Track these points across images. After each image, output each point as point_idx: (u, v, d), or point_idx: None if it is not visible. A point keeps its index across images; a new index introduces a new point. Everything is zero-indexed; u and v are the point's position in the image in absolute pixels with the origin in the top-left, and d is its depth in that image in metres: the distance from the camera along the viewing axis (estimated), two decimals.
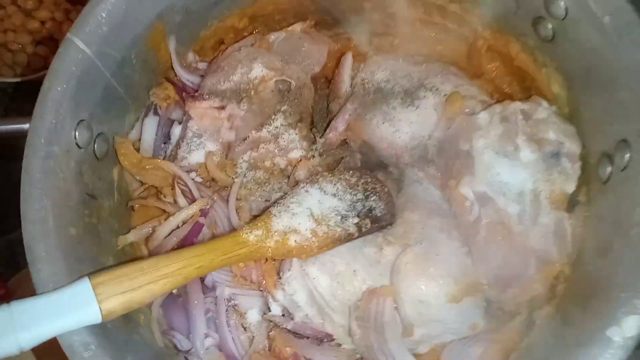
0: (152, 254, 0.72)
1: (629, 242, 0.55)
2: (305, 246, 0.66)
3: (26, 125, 0.60)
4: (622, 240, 0.57)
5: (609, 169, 0.63)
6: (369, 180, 0.74)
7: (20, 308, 0.49)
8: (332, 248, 0.69)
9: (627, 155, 0.58)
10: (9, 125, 0.62)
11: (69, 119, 0.62)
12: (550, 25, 0.69)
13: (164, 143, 0.79)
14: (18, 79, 1.09)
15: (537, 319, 0.67)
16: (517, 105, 0.72)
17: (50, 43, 1.13)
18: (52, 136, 0.60)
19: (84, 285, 0.52)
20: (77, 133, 0.64)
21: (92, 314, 0.52)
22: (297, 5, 0.86)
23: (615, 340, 0.49)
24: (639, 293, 0.51)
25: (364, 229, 0.70)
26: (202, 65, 0.82)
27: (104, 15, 0.65)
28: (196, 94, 0.76)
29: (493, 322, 0.72)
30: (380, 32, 0.90)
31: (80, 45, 0.63)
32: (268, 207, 0.73)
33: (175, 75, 0.80)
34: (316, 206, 0.69)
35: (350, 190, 0.72)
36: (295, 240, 0.66)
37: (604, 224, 0.63)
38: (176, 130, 0.78)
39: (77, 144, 0.64)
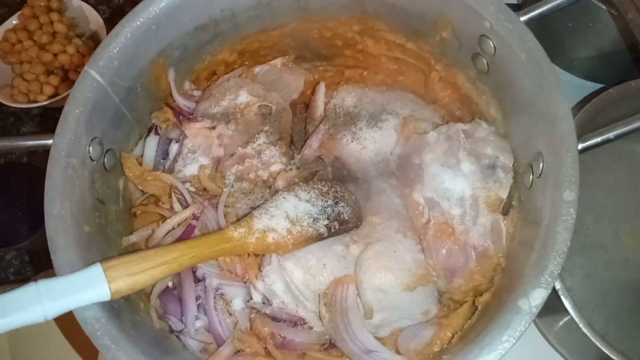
0: None
1: (540, 234, 0.68)
2: (281, 243, 0.78)
3: (49, 141, 0.73)
4: (536, 232, 0.69)
5: (530, 177, 0.76)
6: (339, 189, 0.87)
7: (46, 285, 0.61)
8: (305, 246, 0.81)
9: (541, 164, 0.72)
10: (37, 141, 0.74)
11: (84, 136, 0.75)
12: (484, 60, 0.83)
13: (163, 159, 0.91)
14: (31, 105, 1.22)
15: (479, 304, 0.79)
16: (460, 126, 0.86)
17: (61, 73, 1.27)
18: (71, 150, 0.73)
19: (97, 269, 0.64)
20: (90, 148, 0.76)
21: (102, 292, 0.63)
22: (279, 42, 1.00)
23: (523, 309, 0.62)
24: (543, 271, 0.63)
25: (332, 230, 0.83)
26: (197, 93, 0.96)
27: (115, 51, 0.78)
28: (191, 116, 0.89)
29: (444, 310, 0.84)
30: (351, 64, 1.05)
31: (95, 76, 0.77)
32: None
33: (174, 101, 0.93)
34: (292, 210, 0.81)
35: (322, 198, 0.85)
36: (273, 238, 0.78)
37: (527, 222, 0.76)
38: (174, 148, 0.91)
39: (90, 157, 0.77)
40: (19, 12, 1.30)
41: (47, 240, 0.68)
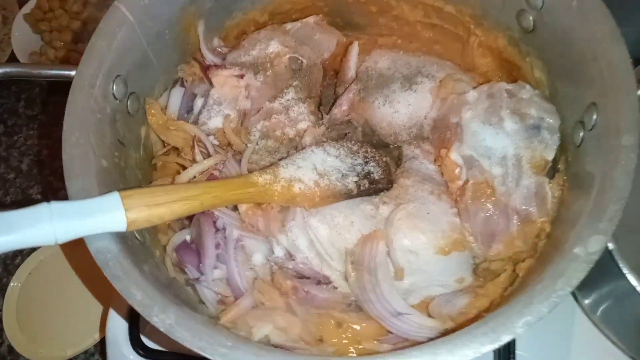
0: None
1: (593, 187, 0.61)
2: (308, 194, 0.73)
3: (72, 72, 0.70)
4: (588, 189, 0.63)
5: (581, 133, 0.70)
6: (369, 149, 0.82)
7: (59, 207, 0.56)
8: (332, 202, 0.76)
9: (594, 115, 0.66)
10: (60, 70, 0.72)
11: (108, 71, 0.72)
12: (530, 17, 0.79)
13: (187, 113, 0.88)
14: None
15: (520, 271, 0.72)
16: (503, 84, 0.81)
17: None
18: (94, 81, 0.70)
19: (114, 196, 0.59)
20: (114, 85, 0.73)
21: (118, 220, 0.58)
22: (311, 5, 0.98)
23: (580, 255, 0.55)
24: (601, 216, 0.57)
25: (362, 188, 0.78)
26: (225, 50, 0.93)
27: None
28: (220, 64, 0.86)
29: (480, 280, 0.77)
30: (385, 33, 1.02)
31: (124, 11, 0.74)
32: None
33: (202, 56, 0.90)
34: (319, 162, 0.77)
35: (352, 155, 0.80)
36: (299, 188, 0.73)
37: (577, 185, 0.70)
38: (198, 103, 0.88)
39: (113, 94, 0.73)
40: None
41: (63, 168, 0.64)
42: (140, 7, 0.76)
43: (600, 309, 0.79)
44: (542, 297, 0.54)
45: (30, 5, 1.28)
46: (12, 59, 1.27)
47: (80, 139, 0.66)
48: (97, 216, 0.58)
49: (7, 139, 1.29)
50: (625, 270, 0.66)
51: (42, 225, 0.54)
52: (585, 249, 0.55)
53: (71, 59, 1.24)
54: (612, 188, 0.58)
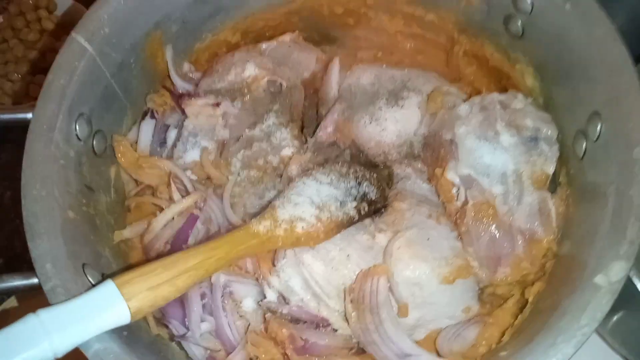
0: (146, 247, 0.72)
1: (608, 201, 0.57)
2: (312, 232, 0.67)
3: (29, 115, 0.63)
4: (600, 205, 0.59)
5: (584, 144, 0.66)
6: (358, 169, 0.77)
7: (49, 315, 0.49)
8: (337, 233, 0.70)
9: (599, 125, 0.62)
10: (15, 114, 0.64)
11: (69, 110, 0.65)
12: (519, 21, 0.75)
13: (160, 146, 0.81)
14: (17, 107, 1.13)
15: (530, 296, 0.68)
16: (495, 95, 0.77)
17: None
18: (54, 123, 0.63)
19: (109, 286, 0.52)
20: (77, 125, 0.66)
21: (121, 314, 0.52)
22: (285, 21, 0.92)
23: (603, 286, 0.51)
24: (621, 240, 0.52)
25: (362, 212, 0.72)
26: (196, 76, 0.87)
27: (105, 17, 0.69)
28: (192, 93, 0.80)
29: (486, 307, 0.73)
30: (364, 46, 0.97)
31: (82, 43, 0.67)
32: (262, 204, 0.75)
33: (172, 84, 0.84)
34: (315, 195, 0.71)
35: (343, 179, 0.75)
36: (302, 227, 0.67)
37: (584, 198, 0.66)
38: (172, 134, 0.81)
39: (77, 135, 0.66)
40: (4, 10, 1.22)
41: (24, 226, 0.57)
42: (100, 36, 0.69)
43: (611, 322, 0.75)
44: (566, 335, 0.49)
45: None
46: None
47: (42, 191, 0.59)
48: (95, 316, 0.51)
49: None
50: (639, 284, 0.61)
51: (38, 345, 0.47)
52: (607, 278, 0.51)
53: (30, 92, 1.15)
54: (631, 207, 0.54)
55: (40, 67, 1.18)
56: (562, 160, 0.72)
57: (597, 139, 0.63)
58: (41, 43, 1.18)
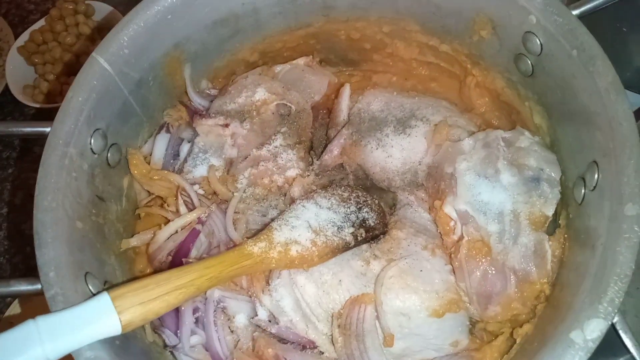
0: (150, 257, 0.76)
1: (596, 255, 0.57)
2: (306, 255, 0.70)
3: (48, 129, 0.68)
4: (590, 254, 0.59)
5: (582, 190, 0.66)
6: (360, 194, 0.79)
7: (45, 322, 0.53)
8: (331, 257, 0.72)
9: (596, 175, 0.62)
10: (35, 127, 0.69)
11: (86, 126, 0.69)
12: (529, 61, 0.75)
13: (173, 159, 0.85)
14: (51, 105, 1.20)
15: (518, 337, 0.68)
16: (500, 132, 0.77)
17: None
18: (69, 139, 0.67)
19: (104, 299, 0.56)
20: (92, 140, 0.70)
21: (112, 325, 0.55)
22: (303, 43, 0.94)
23: (577, 342, 0.51)
24: (601, 298, 0.52)
25: (359, 238, 0.74)
26: (213, 92, 0.90)
27: (126, 39, 0.73)
28: (204, 113, 0.83)
29: (477, 342, 0.73)
30: (379, 70, 0.98)
31: (103, 64, 0.71)
32: (265, 222, 0.78)
33: (189, 100, 0.87)
34: (313, 219, 0.73)
35: (344, 204, 0.77)
36: (297, 250, 0.69)
37: (578, 244, 0.65)
38: (185, 148, 0.85)
39: (91, 149, 0.71)
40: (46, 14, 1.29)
41: (33, 234, 0.61)
42: (120, 57, 0.73)
43: None
44: None
45: (25, 38, 1.27)
46: (6, 91, 1.26)
47: (53, 202, 0.63)
48: (88, 326, 0.55)
49: (0, 172, 1.27)
50: (629, 344, 0.61)
51: (32, 350, 0.51)
52: (583, 334, 0.51)
53: (63, 92, 1.21)
54: (615, 264, 0.54)
55: (74, 69, 1.24)
56: (563, 203, 0.72)
57: (594, 188, 0.63)
58: (77, 46, 1.25)
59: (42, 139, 1.20)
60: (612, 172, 0.60)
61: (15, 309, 1.04)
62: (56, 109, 0.67)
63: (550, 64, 0.71)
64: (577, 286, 0.59)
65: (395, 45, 0.93)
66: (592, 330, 0.51)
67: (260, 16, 0.86)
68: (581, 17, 0.69)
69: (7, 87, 1.25)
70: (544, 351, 0.53)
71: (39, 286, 0.59)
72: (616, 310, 0.51)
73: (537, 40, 0.71)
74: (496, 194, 0.72)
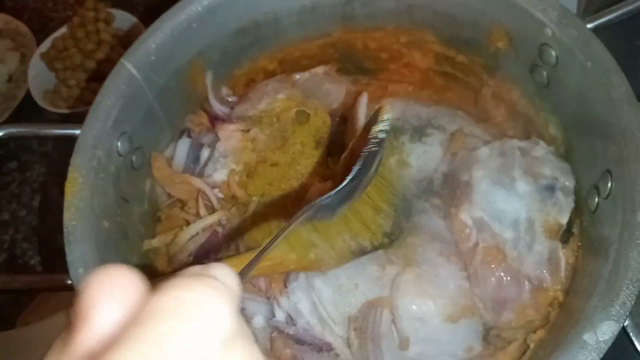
0: (171, 258, 0.78)
1: (609, 261, 0.58)
2: (324, 259, 0.71)
3: (77, 131, 0.70)
4: (603, 261, 0.60)
5: (596, 199, 0.67)
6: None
7: None
8: (348, 261, 0.74)
9: (609, 183, 0.63)
10: (65, 130, 0.72)
11: (113, 129, 0.72)
12: (544, 72, 0.76)
13: (194, 164, 0.87)
14: (71, 110, 1.23)
15: (531, 343, 0.69)
16: (515, 142, 0.79)
17: (102, 80, 1.27)
18: (98, 141, 0.69)
19: None
20: (119, 143, 0.73)
21: None
22: (321, 52, 0.96)
23: (590, 343, 0.52)
24: (614, 301, 0.54)
25: (375, 243, 0.76)
26: (233, 99, 0.92)
27: (153, 46, 0.76)
28: (226, 118, 0.85)
29: (490, 348, 0.74)
30: (396, 79, 1.00)
31: (130, 69, 0.74)
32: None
33: (210, 106, 0.90)
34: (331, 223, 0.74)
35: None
36: (315, 254, 0.71)
37: (591, 252, 0.67)
38: (205, 153, 0.87)
39: (118, 152, 0.73)
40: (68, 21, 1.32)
41: (64, 231, 0.63)
42: (147, 63, 0.76)
43: None
44: None
45: (47, 44, 1.30)
46: (28, 97, 1.29)
47: (82, 202, 0.65)
48: None
49: (20, 176, 1.30)
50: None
51: None
52: (596, 336, 0.52)
53: (84, 98, 1.25)
54: (627, 269, 0.55)
55: (95, 76, 1.28)
56: (577, 212, 0.73)
57: (607, 196, 0.64)
58: (98, 54, 1.28)
59: (60, 143, 1.24)
60: (625, 180, 0.61)
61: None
62: (75, 114, 0.69)
63: (565, 75, 0.73)
64: (590, 292, 0.60)
65: (412, 55, 0.95)
66: (604, 332, 0.52)
67: (281, 25, 0.89)
68: (595, 30, 0.71)
69: (28, 92, 1.28)
70: (557, 353, 0.54)
71: (69, 281, 0.61)
72: (628, 313, 0.53)
73: (553, 52, 0.73)
74: (511, 202, 0.73)
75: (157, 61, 0.77)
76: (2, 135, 0.70)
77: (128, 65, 0.74)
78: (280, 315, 0.72)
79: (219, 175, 0.84)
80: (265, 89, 0.87)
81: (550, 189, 0.74)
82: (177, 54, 0.80)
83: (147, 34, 0.76)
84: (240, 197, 0.82)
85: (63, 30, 1.33)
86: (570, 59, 0.70)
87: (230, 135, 0.83)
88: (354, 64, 1.00)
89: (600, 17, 0.71)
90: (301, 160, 0.84)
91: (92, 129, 0.70)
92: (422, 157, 0.86)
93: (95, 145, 0.69)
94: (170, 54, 0.79)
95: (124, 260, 0.71)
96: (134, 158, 0.77)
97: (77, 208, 0.64)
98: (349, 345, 0.71)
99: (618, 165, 0.62)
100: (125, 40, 1.35)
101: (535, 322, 0.71)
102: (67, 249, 0.62)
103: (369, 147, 0.65)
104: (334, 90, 0.91)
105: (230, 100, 0.92)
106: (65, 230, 0.63)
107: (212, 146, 0.86)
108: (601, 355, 0.51)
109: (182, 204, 0.84)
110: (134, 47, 0.75)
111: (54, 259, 1.20)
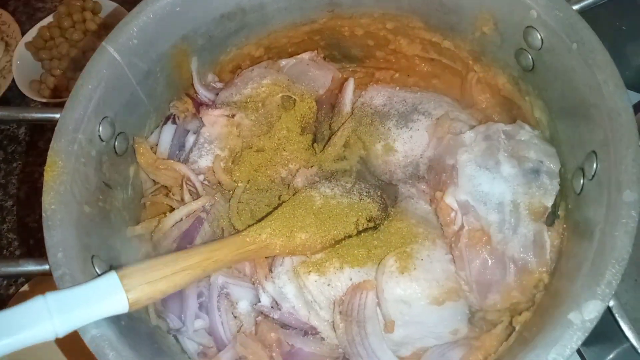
0: (155, 244, 0.77)
1: (594, 240, 0.58)
2: (309, 243, 0.71)
3: (57, 115, 0.69)
4: (588, 242, 0.60)
5: (581, 180, 0.67)
6: (363, 185, 0.80)
7: (55, 298, 0.54)
8: (333, 245, 0.73)
9: (595, 165, 0.63)
10: (44, 114, 0.70)
11: (95, 113, 0.71)
12: (530, 56, 0.76)
13: (179, 150, 0.86)
14: (57, 100, 1.21)
15: (517, 324, 0.69)
16: (500, 125, 0.78)
17: None
18: (79, 125, 0.69)
19: (112, 277, 0.58)
20: (100, 127, 0.72)
21: (119, 303, 0.57)
22: (308, 39, 0.96)
23: (575, 323, 0.52)
24: (599, 280, 0.54)
25: (360, 228, 0.75)
26: (219, 85, 0.91)
27: (135, 30, 0.75)
28: (211, 103, 0.85)
29: (476, 330, 0.74)
30: (382, 66, 1.00)
31: (112, 53, 0.73)
32: (268, 211, 0.79)
33: (195, 92, 0.89)
34: (317, 208, 0.74)
35: (347, 195, 0.78)
36: (300, 238, 0.71)
37: (577, 234, 0.66)
38: (190, 139, 0.86)
39: (99, 136, 0.72)
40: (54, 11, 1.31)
41: (42, 216, 0.62)
42: (129, 47, 0.75)
43: None
44: None
45: (32, 34, 1.29)
46: (13, 86, 1.27)
47: (61, 186, 0.65)
48: (96, 303, 0.56)
49: (6, 166, 1.29)
50: (626, 328, 0.62)
51: (42, 324, 0.52)
52: (581, 315, 0.52)
53: (69, 87, 1.23)
54: (613, 249, 0.55)
55: (81, 65, 1.25)
56: (562, 194, 0.73)
57: (592, 177, 0.64)
58: (84, 42, 1.26)
59: (47, 133, 1.22)
60: (610, 161, 0.61)
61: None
62: (61, 104, 0.68)
63: (550, 58, 0.72)
64: (575, 273, 0.60)
65: (398, 42, 0.94)
66: (590, 312, 0.52)
67: (267, 11, 0.88)
68: (581, 12, 0.70)
69: (13, 82, 1.26)
70: (543, 333, 0.54)
71: (46, 267, 0.60)
72: (613, 292, 0.53)
73: (538, 35, 0.72)
74: (496, 185, 0.73)
75: (139, 45, 0.76)
76: None
77: (110, 49, 0.73)
78: (265, 300, 0.72)
79: (204, 161, 0.83)
80: (251, 74, 0.86)
81: (535, 172, 0.74)
82: (160, 38, 0.79)
83: (129, 17, 0.75)
84: (226, 183, 0.82)
85: (49, 20, 1.32)
86: (556, 40, 0.70)
87: (214, 120, 0.82)
88: (340, 51, 1.00)
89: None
90: (287, 146, 0.84)
91: (73, 113, 0.69)
92: (409, 143, 0.85)
93: (76, 129, 0.68)
94: (154, 38, 0.78)
95: (107, 246, 0.70)
96: (116, 143, 0.76)
97: (57, 192, 0.64)
98: (334, 329, 0.71)
99: (603, 146, 0.62)
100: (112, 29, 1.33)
101: (521, 304, 0.71)
102: (45, 234, 0.61)
103: None
104: (321, 76, 0.91)
105: (216, 86, 0.92)
106: (44, 214, 0.62)
107: (198, 132, 0.86)
108: (587, 335, 0.51)
109: (167, 190, 0.83)
110: (115, 31, 0.74)
111: (41, 249, 1.19)
